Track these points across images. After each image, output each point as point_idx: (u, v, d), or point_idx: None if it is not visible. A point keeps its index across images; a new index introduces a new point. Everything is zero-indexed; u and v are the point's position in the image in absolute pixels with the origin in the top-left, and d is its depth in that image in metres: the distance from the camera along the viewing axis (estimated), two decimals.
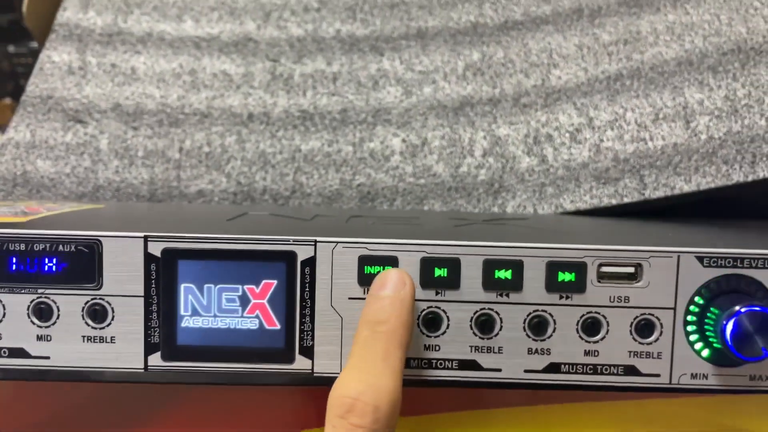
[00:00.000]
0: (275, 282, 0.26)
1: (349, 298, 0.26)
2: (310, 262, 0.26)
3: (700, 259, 0.26)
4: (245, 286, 0.26)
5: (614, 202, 0.42)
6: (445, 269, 0.26)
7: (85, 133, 0.49)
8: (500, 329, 0.26)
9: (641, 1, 0.51)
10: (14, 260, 0.26)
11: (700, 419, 0.29)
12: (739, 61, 0.44)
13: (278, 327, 0.26)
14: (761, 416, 0.29)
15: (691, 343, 0.26)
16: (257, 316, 0.26)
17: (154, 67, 0.53)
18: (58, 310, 0.26)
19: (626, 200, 0.41)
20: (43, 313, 0.26)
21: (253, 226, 0.31)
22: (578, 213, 0.42)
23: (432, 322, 0.26)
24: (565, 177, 0.44)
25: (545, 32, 0.52)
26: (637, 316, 0.26)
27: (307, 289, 0.26)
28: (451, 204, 0.45)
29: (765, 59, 0.44)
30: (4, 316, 0.26)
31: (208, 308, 0.26)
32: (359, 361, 0.23)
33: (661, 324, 0.26)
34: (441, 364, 0.26)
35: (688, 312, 0.26)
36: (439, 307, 0.26)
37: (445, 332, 0.26)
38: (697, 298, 0.26)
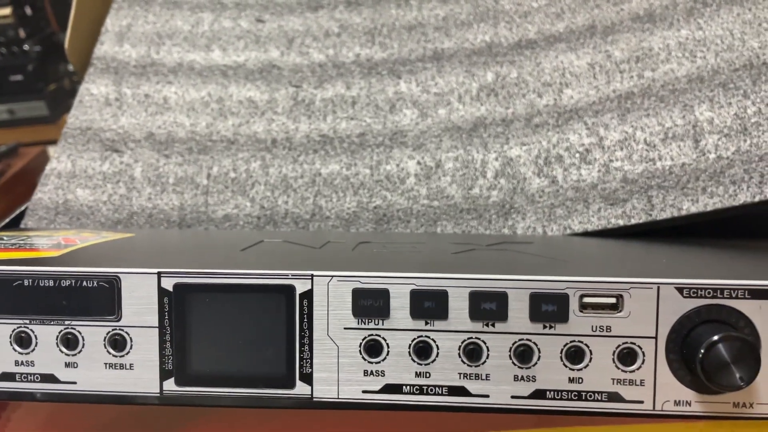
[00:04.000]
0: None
1: (345, 328, 0.28)
2: (308, 295, 0.28)
3: (680, 290, 0.26)
4: None
5: (621, 223, 0.42)
6: (434, 301, 0.27)
7: (121, 162, 0.52)
8: (487, 357, 0.28)
9: (655, 16, 0.51)
10: (45, 295, 0.29)
11: None
12: (751, 77, 0.44)
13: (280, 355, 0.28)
14: None
15: (674, 371, 0.27)
16: None
17: (185, 96, 0.56)
18: (83, 340, 0.29)
19: (633, 221, 0.42)
20: (70, 342, 0.29)
21: (262, 257, 0.34)
22: (586, 234, 0.43)
23: (422, 350, 0.28)
24: (574, 198, 0.45)
25: (558, 50, 0.53)
26: (619, 345, 0.27)
27: (306, 320, 0.28)
28: (463, 225, 0.46)
29: None
30: (36, 345, 0.29)
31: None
32: None
33: (643, 352, 0.27)
34: (431, 390, 0.28)
35: (669, 341, 0.27)
36: (428, 337, 0.28)
37: (434, 360, 0.28)
38: (677, 327, 0.27)
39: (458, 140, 0.50)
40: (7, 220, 0.49)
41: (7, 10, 2.11)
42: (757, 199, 0.39)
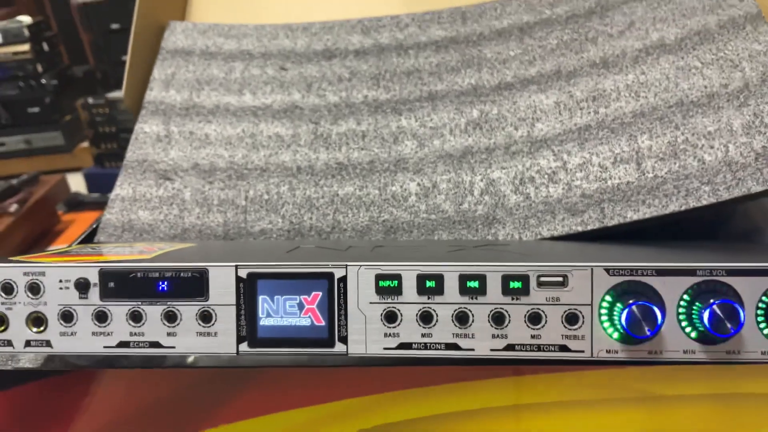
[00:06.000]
0: (320, 293, 0.39)
1: (370, 303, 0.39)
2: (343, 279, 0.39)
3: (607, 270, 0.38)
4: (301, 296, 0.39)
5: (580, 229, 0.53)
6: (433, 281, 0.38)
7: (173, 187, 0.63)
8: (472, 321, 0.38)
9: (608, 63, 0.63)
10: (152, 283, 0.39)
11: (622, 384, 0.40)
12: (681, 112, 0.56)
13: (323, 323, 0.39)
14: (666, 381, 0.40)
15: (605, 328, 0.38)
16: (309, 317, 0.39)
17: (223, 133, 0.67)
18: (181, 315, 0.39)
19: (590, 227, 0.53)
20: (170, 318, 0.39)
21: (305, 255, 0.45)
22: (553, 239, 0.54)
23: (426, 317, 0.38)
24: (543, 210, 0.56)
25: (531, 91, 0.64)
26: (566, 310, 0.38)
27: (342, 297, 0.39)
28: (455, 234, 0.57)
29: (700, 111, 0.55)
30: (146, 320, 0.40)
31: (277, 312, 0.39)
32: None
33: (583, 316, 0.38)
34: (433, 346, 0.39)
35: (600, 306, 0.38)
36: (430, 307, 0.39)
37: (435, 324, 0.39)
38: (606, 297, 0.37)
39: (450, 165, 0.61)
40: (82, 236, 0.60)
41: (25, 47, 2.23)
42: (683, 208, 0.51)
